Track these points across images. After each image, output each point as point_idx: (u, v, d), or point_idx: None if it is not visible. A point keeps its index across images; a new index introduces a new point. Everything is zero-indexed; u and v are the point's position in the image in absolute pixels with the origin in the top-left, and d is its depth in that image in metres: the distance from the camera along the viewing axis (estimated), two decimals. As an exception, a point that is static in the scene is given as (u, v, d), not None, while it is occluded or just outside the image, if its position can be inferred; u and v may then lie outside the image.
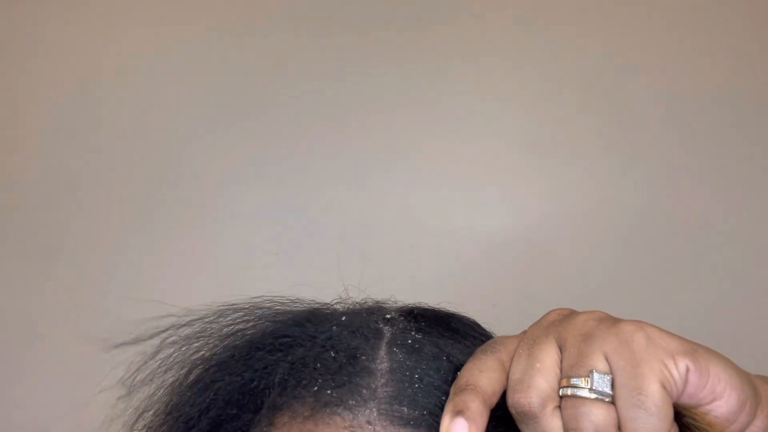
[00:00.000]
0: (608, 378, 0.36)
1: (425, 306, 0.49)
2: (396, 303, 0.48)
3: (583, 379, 0.36)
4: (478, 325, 0.49)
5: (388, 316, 0.45)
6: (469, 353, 0.42)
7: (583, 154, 1.09)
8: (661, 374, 0.35)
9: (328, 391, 0.39)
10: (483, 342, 0.44)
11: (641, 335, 0.36)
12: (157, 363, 0.45)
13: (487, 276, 1.09)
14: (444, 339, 0.44)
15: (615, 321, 0.38)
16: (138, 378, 0.45)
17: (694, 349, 0.37)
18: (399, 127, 1.10)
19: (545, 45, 1.10)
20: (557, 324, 0.39)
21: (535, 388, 0.37)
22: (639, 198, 1.09)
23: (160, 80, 1.09)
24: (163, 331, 0.45)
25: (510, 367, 0.38)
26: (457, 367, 0.41)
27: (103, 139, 1.08)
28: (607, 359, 0.36)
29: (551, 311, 0.42)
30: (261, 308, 0.46)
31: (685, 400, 0.36)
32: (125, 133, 1.09)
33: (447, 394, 0.39)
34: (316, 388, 0.40)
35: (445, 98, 1.10)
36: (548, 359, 0.37)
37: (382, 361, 0.41)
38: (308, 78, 1.09)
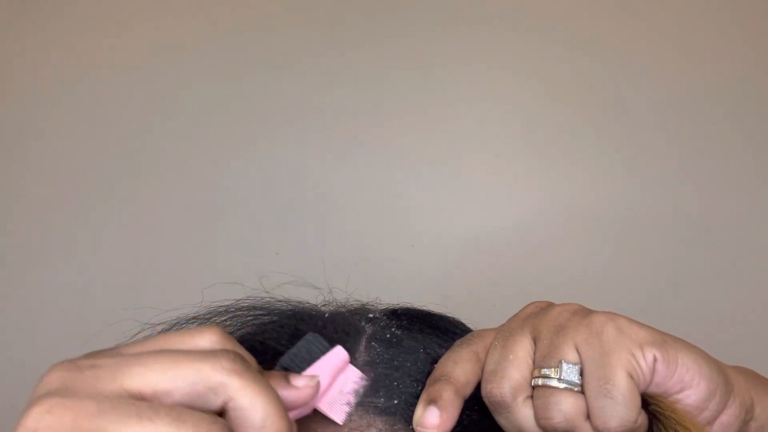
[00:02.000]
0: (577, 368, 0.37)
1: (408, 306, 0.50)
2: (380, 304, 0.49)
3: (553, 369, 0.37)
4: (462, 324, 0.50)
5: (371, 316, 0.46)
6: (447, 348, 0.43)
7: (583, 154, 1.10)
8: (628, 364, 0.36)
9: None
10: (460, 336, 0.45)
11: (611, 326, 0.37)
12: None
13: (487, 276, 1.09)
14: (424, 334, 0.45)
15: (588, 312, 0.39)
16: None
17: (663, 339, 0.37)
18: (399, 127, 1.10)
19: (546, 45, 1.10)
20: (533, 316, 0.40)
21: (508, 379, 0.38)
22: (638, 198, 1.09)
23: (160, 79, 1.10)
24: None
25: (485, 359, 0.39)
26: (435, 360, 0.42)
27: (102, 139, 1.09)
28: (577, 350, 0.37)
29: (529, 304, 0.43)
30: (248, 308, 0.47)
31: (653, 389, 0.37)
32: (125, 133, 1.09)
33: (422, 381, 0.40)
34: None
35: (446, 98, 1.10)
36: (521, 351, 0.38)
37: (360, 355, 0.42)
38: (308, 78, 1.09)
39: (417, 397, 0.39)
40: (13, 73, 1.09)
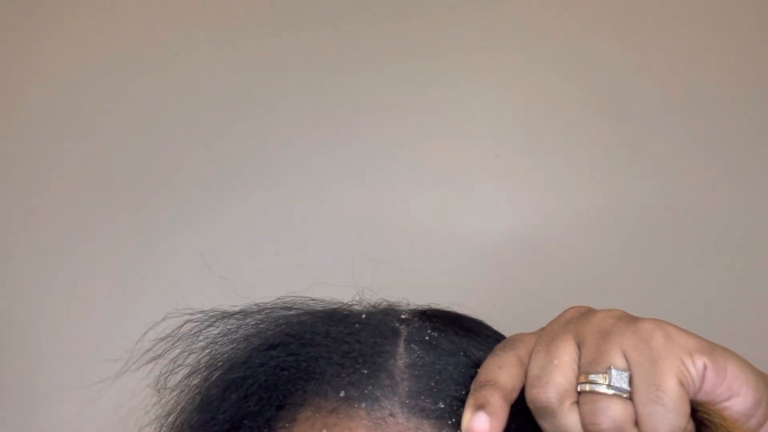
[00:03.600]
0: (626, 374, 0.36)
1: (437, 307, 0.50)
2: (408, 305, 0.49)
3: (601, 375, 0.36)
4: (489, 327, 0.50)
5: (403, 317, 0.46)
6: (484, 350, 0.43)
7: (585, 154, 1.10)
8: (678, 371, 0.36)
9: (351, 386, 0.40)
10: (496, 341, 0.45)
11: (660, 333, 0.37)
12: (179, 365, 0.45)
13: (487, 276, 1.09)
14: (459, 337, 0.44)
15: (634, 319, 0.39)
16: (166, 381, 0.46)
17: (712, 347, 0.37)
18: (399, 127, 1.10)
19: (546, 44, 1.10)
20: (575, 321, 0.40)
21: (553, 384, 0.37)
22: (639, 198, 1.09)
23: (161, 79, 1.09)
24: (177, 337, 0.45)
25: (529, 363, 0.39)
26: (475, 362, 0.42)
27: (102, 139, 1.08)
28: (625, 356, 0.37)
29: (569, 309, 0.43)
30: (282, 308, 0.47)
31: (702, 396, 0.37)
32: (124, 133, 1.09)
33: (467, 388, 0.40)
34: (338, 384, 0.40)
35: (446, 98, 1.10)
36: (566, 355, 0.38)
37: (401, 357, 0.42)
38: (308, 78, 1.09)
39: (462, 401, 0.39)
40: (12, 72, 1.09)
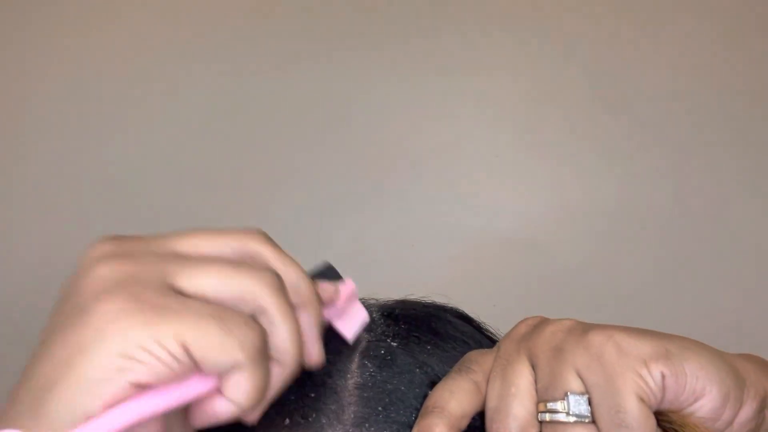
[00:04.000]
0: (584, 398, 0.35)
1: (411, 301, 0.48)
2: (378, 300, 0.47)
3: (559, 402, 0.35)
4: (467, 319, 0.48)
5: (373, 318, 0.44)
6: (446, 360, 0.41)
7: (583, 154, 1.09)
8: (636, 386, 0.34)
9: (296, 413, 0.38)
10: (465, 343, 0.43)
11: (610, 346, 0.35)
12: None
13: (487, 275, 1.09)
14: (421, 345, 0.42)
15: (583, 331, 0.36)
16: None
17: (667, 349, 0.35)
18: (399, 127, 1.10)
19: (546, 45, 1.10)
20: (527, 338, 0.38)
21: (513, 417, 0.36)
22: (637, 197, 1.08)
23: (161, 79, 1.09)
24: None
25: (486, 391, 0.37)
26: (432, 380, 0.40)
27: (101, 139, 1.08)
28: (580, 376, 0.35)
29: (520, 323, 0.40)
30: None
31: (666, 406, 0.35)
32: (124, 133, 1.09)
33: (418, 411, 0.38)
34: (284, 409, 0.38)
35: (446, 98, 1.10)
36: (522, 381, 0.36)
37: (352, 376, 0.40)
38: (309, 79, 1.09)
39: (410, 427, 0.37)
40: (12, 72, 1.09)
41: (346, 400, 0.39)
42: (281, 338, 0.32)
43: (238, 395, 0.30)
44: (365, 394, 0.39)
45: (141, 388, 0.28)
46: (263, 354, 0.31)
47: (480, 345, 0.45)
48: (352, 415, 0.38)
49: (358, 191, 1.10)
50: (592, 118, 1.09)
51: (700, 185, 1.08)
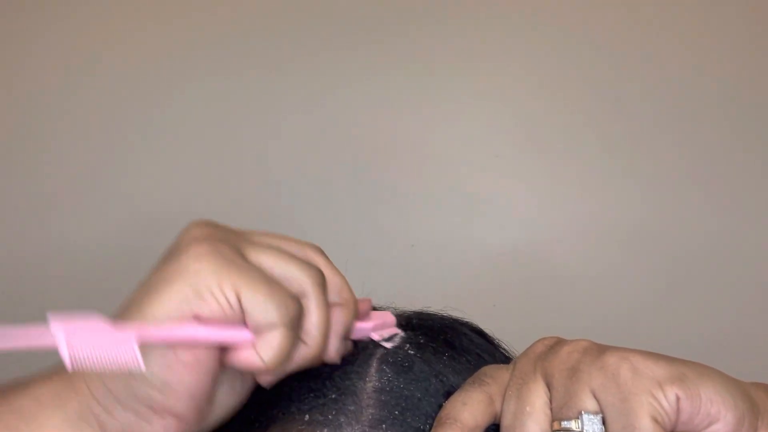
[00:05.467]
0: (599, 417, 0.35)
1: (428, 313, 0.49)
2: (396, 309, 0.48)
3: (573, 421, 0.35)
4: (482, 334, 0.49)
5: None
6: (461, 371, 0.42)
7: (583, 155, 1.09)
8: (651, 408, 0.34)
9: (316, 410, 0.40)
10: (479, 356, 0.44)
11: (626, 367, 0.36)
12: None
13: (487, 276, 1.09)
14: (438, 356, 0.44)
15: (600, 352, 0.37)
16: None
17: (682, 373, 0.36)
18: (400, 126, 1.10)
19: (545, 46, 1.10)
20: (543, 357, 0.39)
21: None
22: (638, 200, 1.08)
23: (161, 79, 1.09)
24: None
25: (501, 410, 0.38)
26: (447, 390, 0.41)
27: (101, 139, 1.08)
28: (595, 396, 0.36)
29: (537, 342, 0.41)
30: None
31: (680, 428, 0.35)
32: (124, 133, 1.08)
33: (432, 418, 0.39)
34: (304, 406, 0.40)
35: (446, 97, 1.10)
36: (538, 400, 0.37)
37: (371, 379, 0.41)
38: (309, 78, 1.09)
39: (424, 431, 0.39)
40: (12, 72, 1.09)
41: (364, 402, 0.40)
42: (312, 322, 0.37)
43: (266, 350, 0.36)
44: (383, 398, 0.40)
45: (198, 319, 0.35)
46: (295, 325, 0.37)
47: (494, 359, 0.46)
48: (370, 417, 0.40)
49: (357, 190, 1.10)
50: (593, 119, 1.09)
51: (703, 186, 1.08)
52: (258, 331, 0.36)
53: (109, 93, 1.09)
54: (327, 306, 0.38)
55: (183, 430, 0.36)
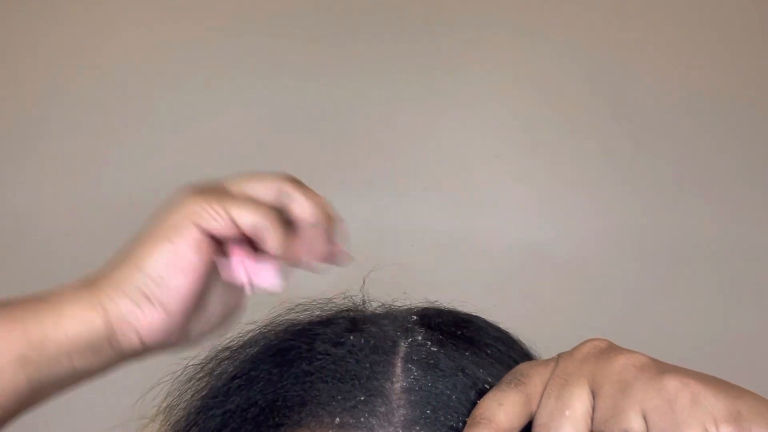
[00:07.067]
0: None
1: (441, 308, 0.49)
2: (410, 304, 0.48)
3: None
4: (493, 327, 0.48)
5: (408, 326, 0.45)
6: (485, 365, 0.42)
7: (584, 158, 1.10)
8: None
9: (346, 412, 0.40)
10: (500, 351, 0.44)
11: (686, 395, 0.34)
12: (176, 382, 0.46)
13: (486, 275, 1.09)
14: (459, 351, 0.43)
15: (659, 372, 0.36)
16: (160, 402, 0.46)
17: (738, 412, 0.34)
18: (400, 127, 1.10)
19: (546, 47, 1.10)
20: (593, 362, 0.37)
21: None
22: (641, 198, 1.09)
23: (160, 79, 1.09)
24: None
25: (538, 405, 0.37)
26: (474, 382, 0.41)
27: (101, 138, 1.08)
28: (644, 417, 0.34)
29: (587, 342, 0.39)
30: (279, 319, 0.47)
31: None
32: (124, 132, 1.08)
33: (463, 415, 0.39)
34: (334, 409, 0.40)
35: (446, 99, 1.10)
36: (580, 406, 0.35)
37: (398, 379, 0.41)
38: (309, 81, 1.09)
39: (457, 430, 0.38)
40: (12, 72, 1.09)
41: (394, 402, 0.40)
42: (299, 204, 0.45)
43: (271, 244, 0.43)
44: (412, 398, 0.40)
45: (203, 233, 0.42)
46: (279, 222, 0.43)
47: (513, 351, 0.46)
48: (402, 418, 0.39)
49: (357, 190, 1.10)
50: (593, 121, 1.10)
51: (703, 184, 1.08)
52: (258, 235, 0.43)
53: (105, 93, 1.09)
54: (307, 190, 0.45)
55: (169, 324, 0.42)
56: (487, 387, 0.40)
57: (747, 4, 1.10)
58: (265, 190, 0.45)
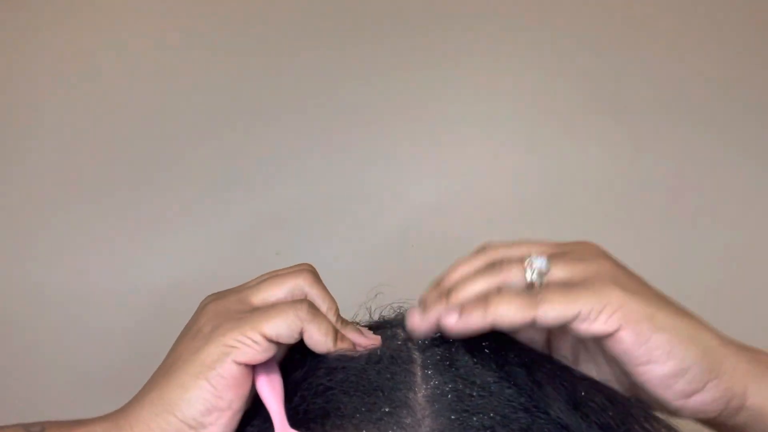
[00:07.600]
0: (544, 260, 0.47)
1: None
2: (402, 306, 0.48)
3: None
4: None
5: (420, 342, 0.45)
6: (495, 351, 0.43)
7: (584, 158, 1.10)
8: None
9: (372, 425, 0.40)
10: (503, 334, 0.45)
11: (607, 263, 0.46)
12: None
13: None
14: (469, 342, 0.44)
15: (609, 261, 0.48)
16: None
17: (651, 314, 0.41)
18: (400, 125, 1.10)
19: (546, 45, 1.10)
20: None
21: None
22: (641, 199, 1.09)
23: (160, 79, 1.09)
24: None
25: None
26: (491, 371, 0.42)
27: (101, 138, 1.08)
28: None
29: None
30: None
31: (616, 349, 0.41)
32: (124, 132, 1.08)
33: (485, 409, 0.39)
34: (359, 422, 0.40)
35: (446, 96, 1.10)
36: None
37: (420, 389, 0.41)
38: (308, 78, 1.09)
39: (488, 428, 0.39)
40: (12, 72, 1.09)
41: (419, 413, 0.40)
42: (322, 303, 0.45)
43: (316, 341, 0.42)
44: (436, 406, 0.40)
45: (240, 365, 0.41)
46: (315, 313, 0.43)
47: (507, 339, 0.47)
48: (428, 429, 0.40)
49: (357, 189, 1.10)
50: (593, 120, 1.10)
51: (699, 187, 1.09)
52: (299, 337, 0.42)
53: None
54: (325, 321, 0.44)
55: None
56: (503, 373, 0.41)
57: (747, 3, 1.10)
58: (284, 294, 0.45)
